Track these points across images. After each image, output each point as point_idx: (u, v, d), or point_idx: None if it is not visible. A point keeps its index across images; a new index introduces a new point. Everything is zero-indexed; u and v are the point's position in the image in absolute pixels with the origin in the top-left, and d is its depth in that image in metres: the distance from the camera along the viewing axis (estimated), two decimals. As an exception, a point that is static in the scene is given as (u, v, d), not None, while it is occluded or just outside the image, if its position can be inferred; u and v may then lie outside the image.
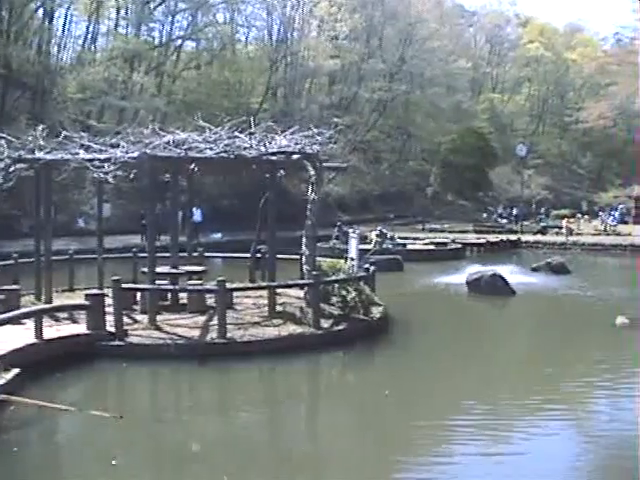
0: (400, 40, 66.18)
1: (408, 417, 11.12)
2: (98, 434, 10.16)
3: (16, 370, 11.63)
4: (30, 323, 13.40)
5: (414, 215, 55.24)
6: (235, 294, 16.78)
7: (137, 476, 8.93)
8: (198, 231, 31.87)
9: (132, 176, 17.21)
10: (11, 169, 16.27)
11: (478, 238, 42.44)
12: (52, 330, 13.87)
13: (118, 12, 51.36)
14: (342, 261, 18.28)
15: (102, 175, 15.45)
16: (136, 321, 15.18)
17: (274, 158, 16.28)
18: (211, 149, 15.68)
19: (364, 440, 10.31)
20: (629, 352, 15.44)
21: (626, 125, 76.17)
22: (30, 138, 16.81)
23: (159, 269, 16.72)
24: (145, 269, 16.33)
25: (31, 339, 13.03)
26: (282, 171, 19.25)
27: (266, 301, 16.28)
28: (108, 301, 14.51)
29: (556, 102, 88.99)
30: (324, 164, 17.25)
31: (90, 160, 15.56)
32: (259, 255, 20.22)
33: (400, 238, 37.13)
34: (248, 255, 20.80)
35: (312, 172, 16.60)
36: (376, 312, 17.07)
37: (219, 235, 39.17)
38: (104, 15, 50.89)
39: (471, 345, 16.43)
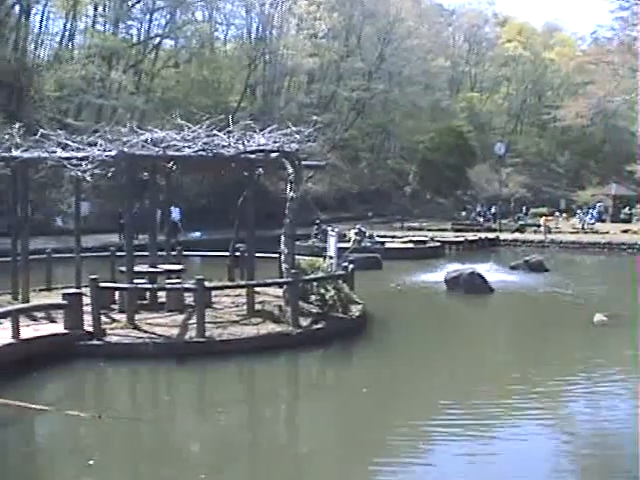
0: (379, 38, 66.44)
1: (386, 416, 11.12)
2: (76, 434, 10.13)
3: (-7, 370, 11.53)
4: (7, 323, 13.23)
5: (393, 213, 55.46)
6: (214, 293, 16.70)
7: (114, 476, 8.88)
8: (177, 230, 31.77)
9: (110, 175, 17.06)
10: (-13, 167, 16.16)
11: (457, 236, 42.61)
12: (29, 330, 13.74)
13: (96, 9, 51.12)
14: (321, 259, 18.29)
15: (80, 174, 15.39)
16: (114, 320, 15.07)
17: (253, 156, 16.21)
18: (189, 147, 15.57)
19: (342, 440, 10.31)
20: (607, 350, 15.59)
21: (603, 124, 76.89)
22: (7, 136, 16.65)
23: (137, 268, 16.62)
24: (123, 268, 16.26)
25: (8, 339, 12.89)
26: (261, 169, 19.25)
27: (245, 300, 16.23)
28: (86, 300, 14.39)
29: (534, 101, 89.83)
30: (303, 162, 17.22)
31: (67, 159, 15.46)
32: (238, 254, 20.20)
33: (379, 236, 37.22)
34: (227, 254, 20.83)
35: (291, 170, 16.60)
36: (355, 310, 17.09)
37: (198, 234, 39.08)
38: (82, 12, 50.61)
39: (449, 344, 16.44)
